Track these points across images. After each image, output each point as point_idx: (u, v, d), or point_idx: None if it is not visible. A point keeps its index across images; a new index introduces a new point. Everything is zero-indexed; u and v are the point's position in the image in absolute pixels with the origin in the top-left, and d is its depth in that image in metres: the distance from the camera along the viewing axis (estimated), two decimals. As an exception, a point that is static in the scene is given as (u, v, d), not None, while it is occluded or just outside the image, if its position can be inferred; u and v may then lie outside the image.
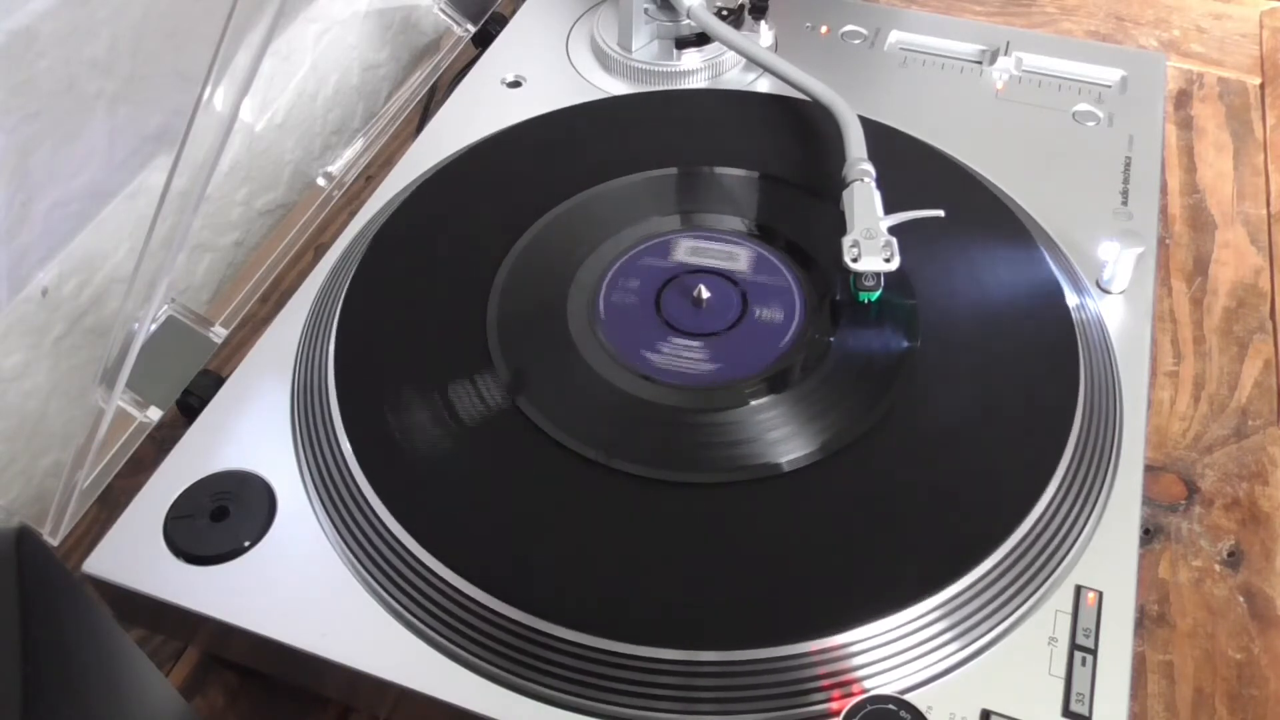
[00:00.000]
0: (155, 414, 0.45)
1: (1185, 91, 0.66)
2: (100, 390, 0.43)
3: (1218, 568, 0.44)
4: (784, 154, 0.53)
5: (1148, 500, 0.46)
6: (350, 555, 0.38)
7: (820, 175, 0.51)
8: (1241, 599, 0.43)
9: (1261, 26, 0.71)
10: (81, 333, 0.52)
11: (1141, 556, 0.39)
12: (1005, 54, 0.59)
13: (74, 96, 0.48)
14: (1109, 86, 0.57)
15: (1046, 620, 0.36)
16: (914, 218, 0.46)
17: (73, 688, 0.25)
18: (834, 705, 0.34)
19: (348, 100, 0.69)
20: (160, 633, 0.43)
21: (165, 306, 0.46)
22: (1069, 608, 0.36)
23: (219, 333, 0.48)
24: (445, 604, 0.36)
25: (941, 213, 0.46)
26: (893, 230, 0.45)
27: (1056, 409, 0.41)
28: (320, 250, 0.52)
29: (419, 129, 0.62)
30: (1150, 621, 0.43)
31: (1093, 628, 0.36)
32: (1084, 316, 0.45)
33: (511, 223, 0.49)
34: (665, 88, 0.59)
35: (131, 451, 0.46)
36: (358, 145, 0.63)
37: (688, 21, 0.58)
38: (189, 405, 0.45)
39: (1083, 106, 0.56)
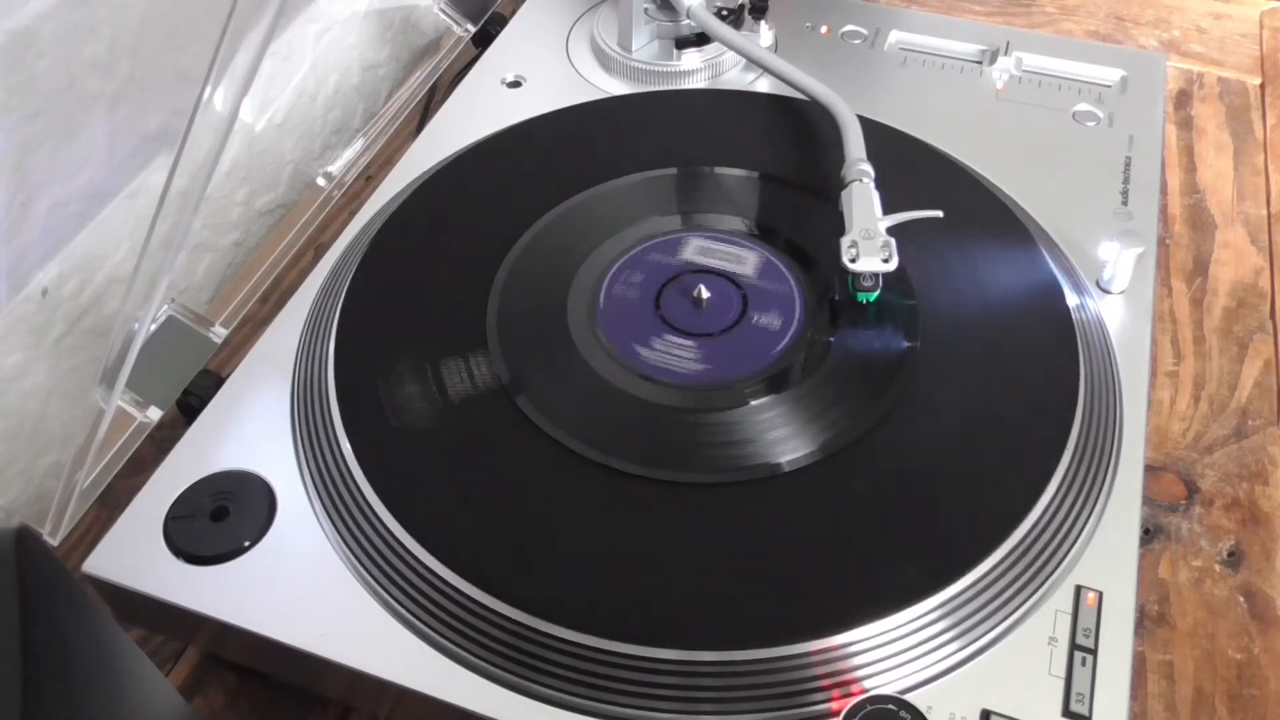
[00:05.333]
0: (155, 414, 0.45)
1: (1185, 91, 0.66)
2: (100, 390, 0.43)
3: (1218, 568, 0.44)
4: (784, 154, 0.53)
5: (1148, 500, 0.46)
6: (350, 555, 0.38)
7: (820, 175, 0.51)
8: (1241, 599, 0.43)
9: (1261, 26, 0.71)
10: (81, 333, 0.52)
11: (1141, 556, 0.39)
12: (1005, 54, 0.59)
13: (74, 96, 0.48)
14: (1109, 86, 0.57)
15: (1046, 620, 0.36)
16: (913, 218, 0.46)
17: (73, 688, 0.25)
18: (834, 705, 0.34)
19: (348, 100, 0.69)
20: (160, 633, 0.43)
21: (165, 306, 0.46)
22: (1069, 608, 0.36)
23: (219, 333, 0.48)
24: (445, 604, 0.36)
25: (940, 213, 0.46)
26: (891, 231, 0.45)
27: (1056, 409, 0.41)
28: (320, 250, 0.52)
29: (419, 129, 0.62)
30: (1150, 621, 0.43)
31: (1093, 628, 0.36)
32: (1084, 316, 0.45)
33: (511, 223, 0.49)
34: (665, 88, 0.59)
35: (131, 451, 0.46)
36: (358, 145, 0.63)
37: (688, 21, 0.58)
38: (189, 405, 0.45)
39: (1083, 106, 0.56)
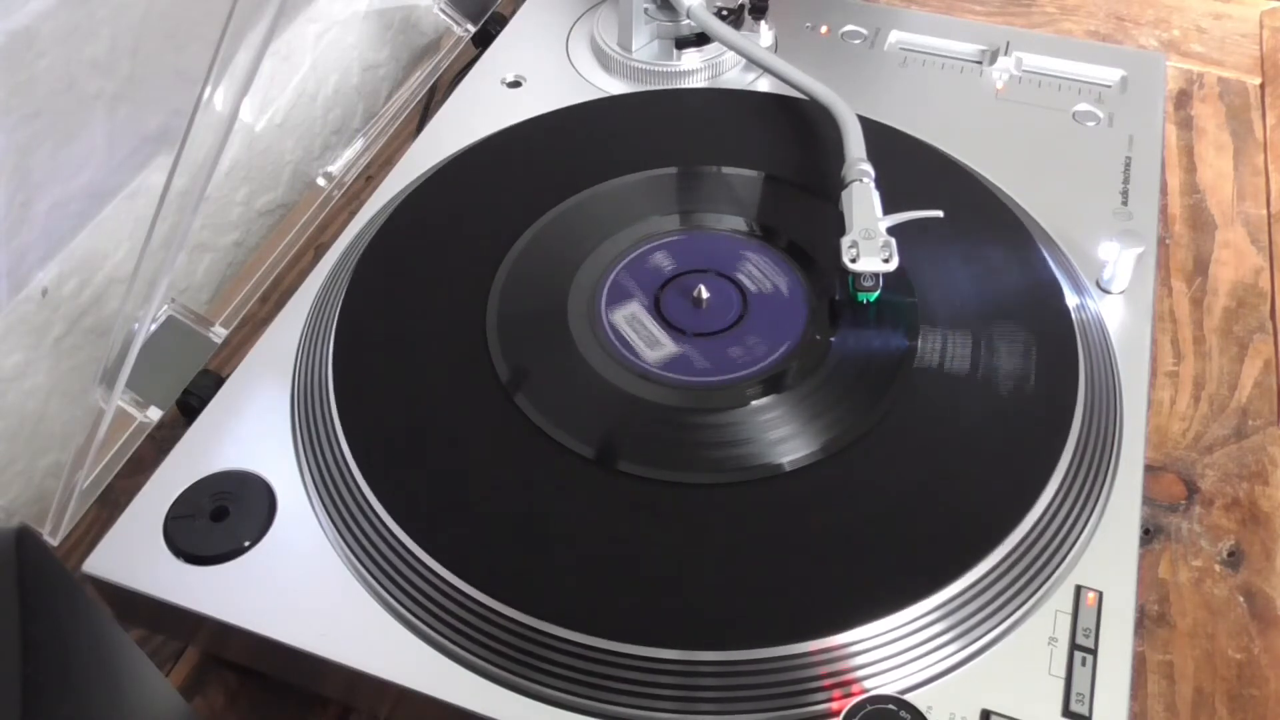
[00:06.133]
0: (155, 414, 0.45)
1: (1185, 91, 0.66)
2: (100, 390, 0.43)
3: (1218, 568, 0.44)
4: (784, 154, 0.53)
5: (1148, 500, 0.46)
6: (350, 555, 0.38)
7: (820, 175, 0.51)
8: (1241, 599, 0.43)
9: (1261, 26, 0.71)
10: (81, 333, 0.52)
11: (1141, 556, 0.39)
12: (1005, 54, 0.59)
13: (74, 96, 0.48)
14: (1109, 86, 0.57)
15: (1046, 620, 0.36)
16: (913, 218, 0.46)
17: (73, 688, 0.25)
18: (834, 705, 0.34)
19: (348, 100, 0.69)
20: (160, 633, 0.43)
21: (165, 306, 0.46)
22: (1069, 608, 0.36)
23: (219, 333, 0.48)
24: (445, 604, 0.36)
25: (940, 213, 0.46)
26: (892, 231, 0.45)
27: (1056, 409, 0.41)
28: (320, 250, 0.52)
29: (419, 129, 0.62)
30: (1150, 621, 0.43)
31: (1093, 628, 0.36)
32: (1084, 316, 0.45)
33: (511, 223, 0.49)
34: (665, 87, 0.59)
35: (131, 451, 0.46)
36: (358, 145, 0.63)
37: (688, 21, 0.58)
38: (189, 405, 0.45)
39: (1083, 106, 0.56)
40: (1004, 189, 0.51)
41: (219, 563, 0.38)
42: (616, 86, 0.59)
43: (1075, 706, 0.34)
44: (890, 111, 0.55)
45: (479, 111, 0.57)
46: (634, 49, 0.59)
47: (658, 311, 0.46)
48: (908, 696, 0.33)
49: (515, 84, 0.59)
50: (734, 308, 0.46)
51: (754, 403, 0.42)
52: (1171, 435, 0.49)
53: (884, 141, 0.51)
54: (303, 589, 0.37)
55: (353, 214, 0.52)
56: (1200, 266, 0.56)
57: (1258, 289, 0.55)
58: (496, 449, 0.41)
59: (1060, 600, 0.36)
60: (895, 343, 0.44)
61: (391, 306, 0.46)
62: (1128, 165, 0.52)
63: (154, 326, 0.45)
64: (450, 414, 0.42)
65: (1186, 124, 0.64)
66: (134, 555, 0.39)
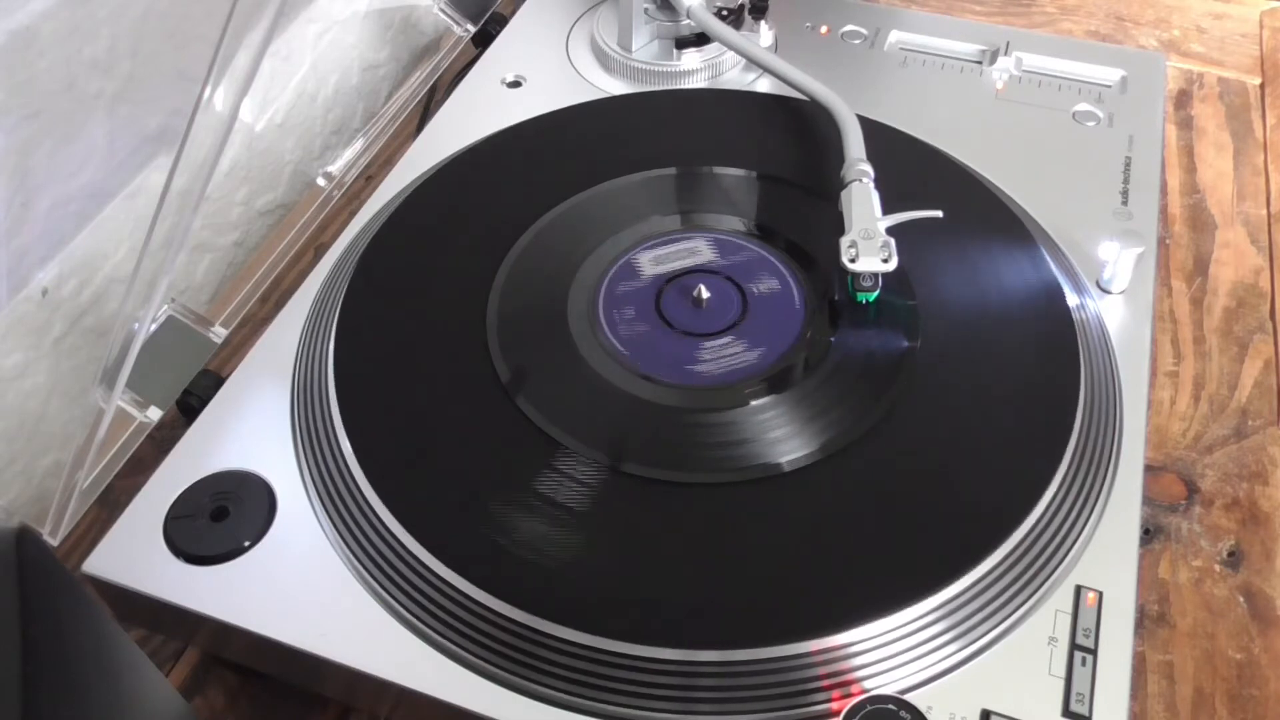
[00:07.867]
0: (155, 414, 0.45)
1: (1185, 91, 0.66)
2: (100, 390, 0.43)
3: (1218, 568, 0.44)
4: (784, 154, 0.53)
5: (1148, 500, 0.46)
6: (350, 555, 0.38)
7: (820, 175, 0.51)
8: (1241, 599, 0.43)
9: (1261, 26, 0.71)
10: (81, 333, 0.52)
11: (1141, 556, 0.39)
12: (1005, 54, 0.59)
13: (74, 96, 0.48)
14: (1109, 86, 0.57)
15: (1046, 620, 0.36)
16: (912, 218, 0.46)
17: (73, 688, 0.25)
18: (834, 705, 0.34)
19: (348, 100, 0.69)
20: (160, 633, 0.43)
21: (165, 306, 0.46)
22: (1069, 608, 0.36)
23: (219, 333, 0.48)
24: (445, 604, 0.36)
25: (940, 213, 0.46)
26: (891, 231, 0.45)
27: (1056, 409, 0.41)
28: (320, 250, 0.52)
29: (419, 129, 0.62)
30: (1150, 621, 0.43)
31: (1093, 628, 0.36)
32: (1084, 316, 0.45)
33: (511, 223, 0.49)
34: (665, 88, 0.59)
35: (131, 451, 0.46)
36: (358, 145, 0.63)
37: (688, 21, 0.58)
38: (189, 405, 0.45)
39: (1083, 106, 0.56)
40: (1004, 189, 0.51)
41: (219, 563, 0.38)
42: (616, 86, 0.59)
43: (1075, 706, 0.34)
44: (890, 111, 0.55)
45: (479, 111, 0.57)
46: (634, 49, 0.59)
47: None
48: (908, 696, 0.33)
49: (515, 84, 0.59)
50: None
51: (753, 403, 0.42)
52: (1171, 435, 0.49)
53: (884, 141, 0.51)
54: (303, 589, 0.37)
55: (353, 214, 0.52)
56: (1200, 266, 0.56)
57: (1258, 289, 0.55)
58: (496, 449, 0.41)
59: (1060, 600, 0.36)
60: (894, 343, 0.44)
61: (392, 306, 0.46)
62: (1128, 165, 0.52)
63: (154, 326, 0.45)
64: (450, 414, 0.42)
65: (1186, 124, 0.64)
66: (134, 555, 0.39)
